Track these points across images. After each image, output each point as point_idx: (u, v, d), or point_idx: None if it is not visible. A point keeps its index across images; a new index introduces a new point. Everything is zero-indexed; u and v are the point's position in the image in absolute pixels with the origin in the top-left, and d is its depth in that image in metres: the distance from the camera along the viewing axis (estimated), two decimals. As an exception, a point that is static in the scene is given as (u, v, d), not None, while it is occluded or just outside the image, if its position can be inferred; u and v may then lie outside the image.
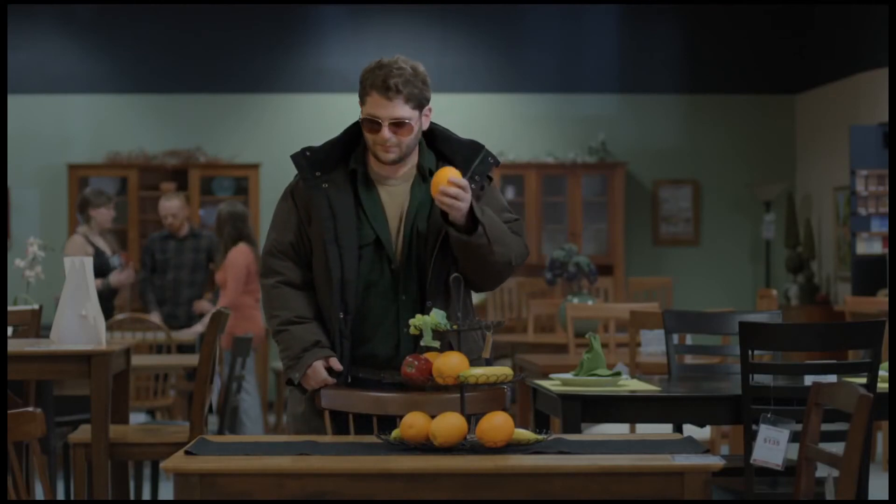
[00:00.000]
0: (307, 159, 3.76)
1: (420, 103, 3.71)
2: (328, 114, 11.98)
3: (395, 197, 3.77)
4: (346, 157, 3.80)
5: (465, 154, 3.78)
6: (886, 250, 10.58)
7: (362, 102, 3.72)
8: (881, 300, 8.92)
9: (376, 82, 3.67)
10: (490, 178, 3.83)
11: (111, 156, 11.94)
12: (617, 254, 12.10)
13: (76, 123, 12.10)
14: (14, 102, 11.71)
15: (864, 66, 11.15)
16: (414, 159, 3.79)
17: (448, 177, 3.57)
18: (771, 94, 12.56)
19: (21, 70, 11.79)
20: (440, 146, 3.82)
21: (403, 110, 3.67)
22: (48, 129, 12.05)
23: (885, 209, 10.65)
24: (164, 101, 12.20)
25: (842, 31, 11.72)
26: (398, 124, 3.68)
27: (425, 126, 3.77)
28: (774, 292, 9.19)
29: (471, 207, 3.63)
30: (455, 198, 3.57)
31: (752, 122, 12.56)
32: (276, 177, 11.82)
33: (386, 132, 3.68)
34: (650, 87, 12.51)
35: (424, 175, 3.78)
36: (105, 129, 12.09)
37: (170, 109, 12.18)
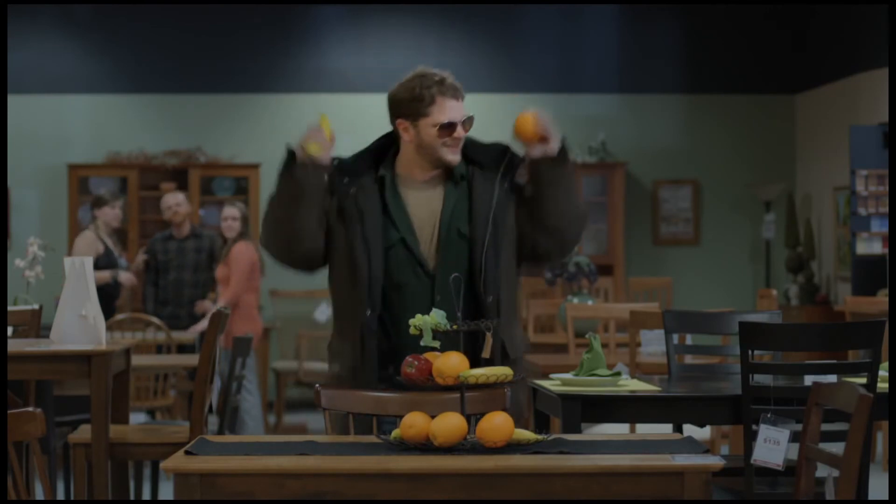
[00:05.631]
0: (335, 168, 3.89)
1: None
2: (328, 114, 11.96)
3: (426, 201, 3.87)
4: (374, 165, 3.92)
5: (492, 156, 3.91)
6: (886, 250, 10.58)
7: (423, 115, 3.84)
8: (881, 300, 8.93)
9: (442, 89, 3.84)
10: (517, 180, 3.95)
11: (111, 156, 11.94)
12: (617, 254, 12.10)
13: (76, 123, 12.10)
14: (14, 102, 11.71)
15: (864, 66, 11.15)
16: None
17: (534, 117, 3.79)
18: (771, 94, 12.56)
19: (21, 70, 11.78)
20: (468, 150, 3.92)
21: (462, 110, 3.87)
22: (48, 129, 12.05)
23: (885, 209, 10.65)
24: (164, 101, 12.20)
25: (842, 31, 11.72)
26: (467, 122, 3.86)
27: None
28: (774, 292, 9.19)
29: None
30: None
31: (752, 122, 12.56)
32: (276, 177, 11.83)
33: (461, 132, 3.84)
34: (650, 87, 12.51)
35: (456, 179, 3.88)
36: (105, 129, 12.09)
37: (170, 109, 12.18)
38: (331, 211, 3.87)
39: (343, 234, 3.84)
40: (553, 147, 3.79)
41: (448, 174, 3.89)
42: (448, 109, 3.83)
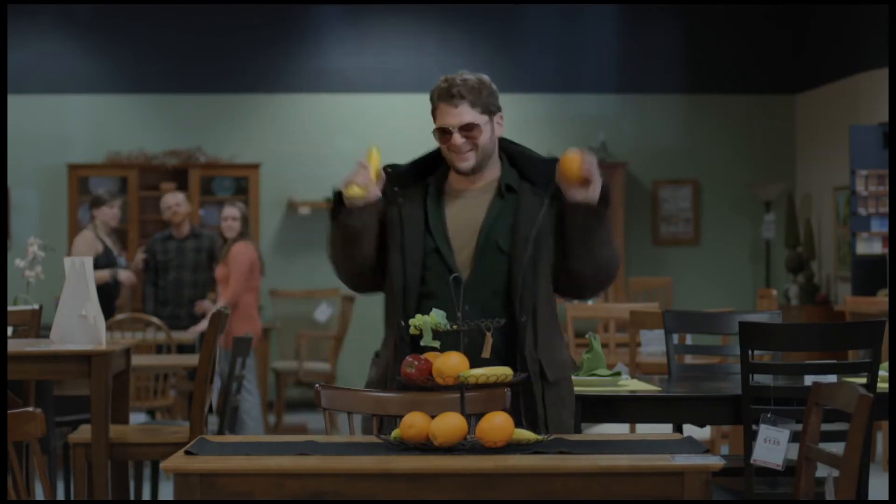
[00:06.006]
0: (388, 175, 3.84)
1: (489, 109, 3.80)
2: (328, 114, 11.99)
3: (468, 209, 3.82)
4: (426, 175, 3.88)
5: (544, 171, 3.83)
6: (886, 250, 10.58)
7: (434, 119, 3.82)
8: (881, 300, 8.92)
9: (441, 94, 3.79)
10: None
11: (111, 156, 11.94)
12: (617, 254, 12.08)
13: (76, 123, 12.10)
14: (14, 102, 11.72)
15: (864, 66, 11.15)
16: (494, 174, 3.85)
17: (581, 158, 3.63)
18: (771, 94, 12.56)
19: (21, 70, 11.79)
20: (521, 165, 3.87)
21: (470, 115, 3.77)
22: (48, 129, 12.05)
23: (885, 209, 10.65)
24: (164, 101, 12.20)
25: (842, 31, 11.72)
26: (467, 128, 3.77)
27: (499, 133, 3.84)
28: (774, 292, 9.18)
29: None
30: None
31: (752, 122, 12.56)
32: (276, 177, 11.83)
33: (457, 138, 3.77)
34: (650, 87, 12.51)
35: (502, 191, 3.83)
36: (105, 129, 12.09)
37: (170, 109, 12.19)
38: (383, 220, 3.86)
39: (386, 242, 3.82)
40: (593, 193, 3.66)
41: (498, 184, 3.84)
42: (444, 115, 3.78)
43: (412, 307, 3.75)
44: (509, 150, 3.89)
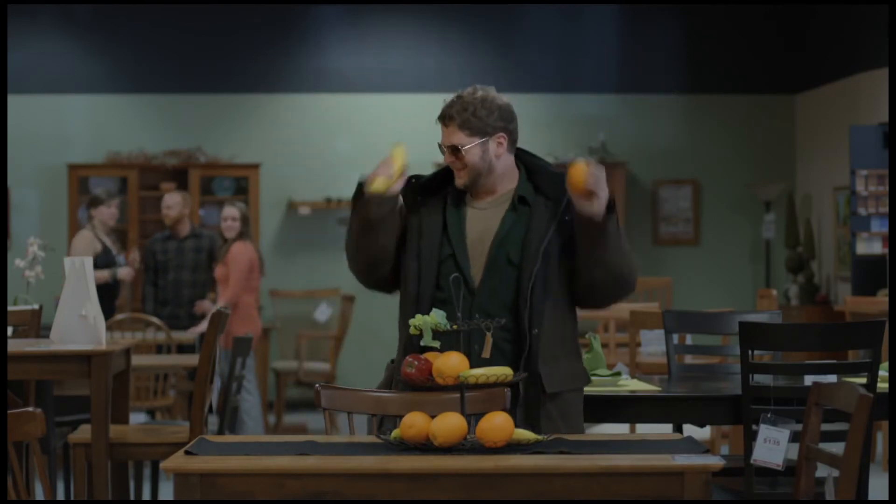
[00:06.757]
0: (411, 186, 3.89)
1: (481, 130, 3.81)
2: (328, 114, 11.98)
3: (483, 219, 3.85)
4: (447, 184, 3.91)
5: (555, 184, 3.83)
6: (886, 250, 10.58)
7: None
8: (881, 300, 8.93)
9: (440, 113, 3.85)
10: None
11: (111, 156, 11.94)
12: (617, 254, 12.07)
13: (76, 123, 12.10)
14: (14, 102, 11.71)
15: (864, 66, 11.15)
16: (509, 186, 3.87)
17: (587, 169, 3.60)
18: (771, 94, 12.56)
19: (21, 70, 11.78)
20: (537, 179, 3.89)
21: (457, 137, 3.81)
22: (48, 129, 12.05)
23: (885, 209, 10.65)
24: (164, 101, 12.20)
25: (842, 31, 11.72)
26: (452, 150, 3.82)
27: (497, 153, 3.83)
28: (774, 292, 9.17)
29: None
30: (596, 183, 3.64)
31: (752, 122, 12.55)
32: (276, 177, 11.83)
33: (447, 157, 3.84)
34: (650, 87, 12.51)
35: (516, 204, 3.85)
36: (105, 129, 12.09)
37: (170, 109, 12.18)
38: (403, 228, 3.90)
39: (404, 249, 3.86)
40: (599, 205, 3.64)
41: (513, 197, 3.86)
42: (441, 134, 3.86)
43: (425, 313, 3.73)
44: (527, 163, 3.91)
